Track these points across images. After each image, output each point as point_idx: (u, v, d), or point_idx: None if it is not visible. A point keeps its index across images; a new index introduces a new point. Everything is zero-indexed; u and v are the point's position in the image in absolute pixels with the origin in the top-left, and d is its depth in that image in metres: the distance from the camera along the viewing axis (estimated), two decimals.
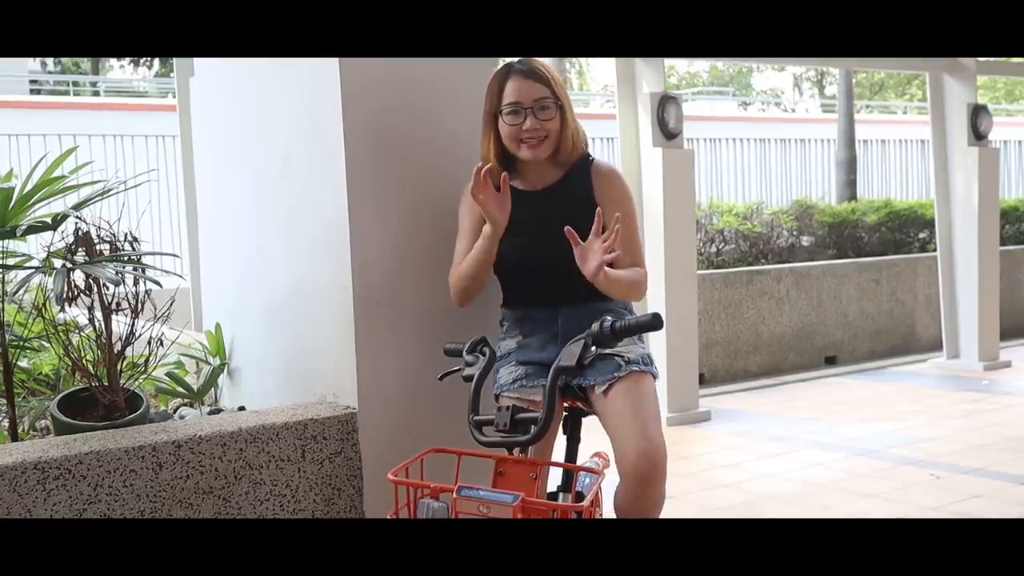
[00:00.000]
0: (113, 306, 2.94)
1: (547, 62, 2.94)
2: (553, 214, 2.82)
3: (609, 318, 2.53)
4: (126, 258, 3.00)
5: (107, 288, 2.93)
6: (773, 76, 32.64)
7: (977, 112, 8.36)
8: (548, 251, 2.81)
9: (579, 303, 2.85)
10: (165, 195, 11.42)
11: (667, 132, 6.71)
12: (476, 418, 2.54)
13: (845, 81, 15.10)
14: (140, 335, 3.04)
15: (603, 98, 24.51)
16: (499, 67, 2.89)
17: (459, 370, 2.65)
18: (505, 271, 2.93)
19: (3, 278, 3.02)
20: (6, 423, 3.17)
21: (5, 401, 3.14)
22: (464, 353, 2.66)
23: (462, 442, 2.66)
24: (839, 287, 9.22)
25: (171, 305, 3.28)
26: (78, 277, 2.89)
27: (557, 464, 2.54)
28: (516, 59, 2.88)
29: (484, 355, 2.63)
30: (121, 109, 11.94)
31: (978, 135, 8.36)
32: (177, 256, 3.15)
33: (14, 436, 3.05)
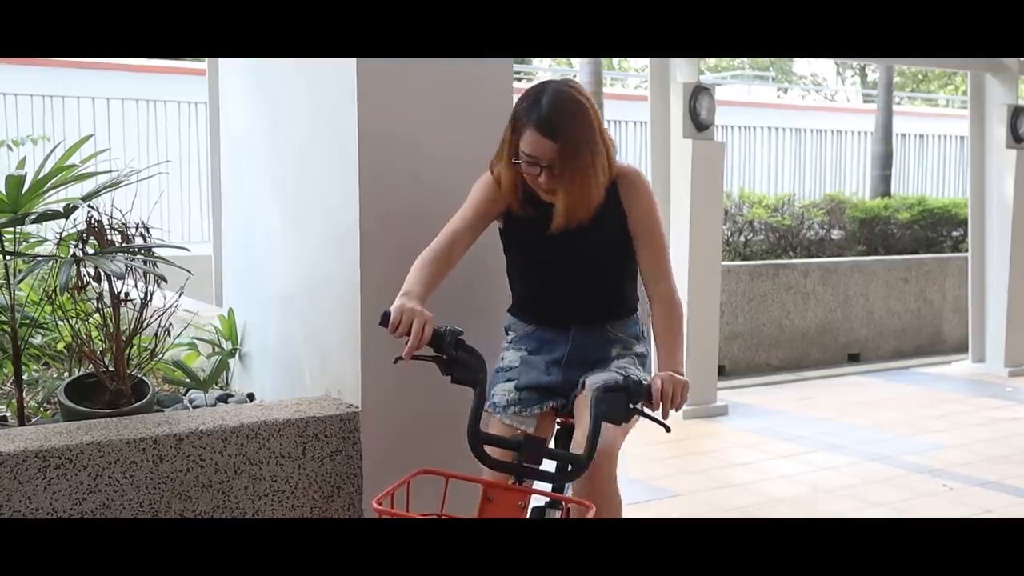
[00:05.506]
0: (122, 296, 2.96)
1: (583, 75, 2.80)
2: (579, 234, 2.72)
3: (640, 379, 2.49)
4: (136, 249, 3.01)
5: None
6: (815, 61, 32.18)
7: (1018, 114, 8.21)
8: (570, 273, 2.78)
9: (591, 325, 2.82)
10: (196, 163, 11.50)
11: (698, 123, 6.66)
12: (486, 434, 2.48)
13: (886, 76, 14.89)
14: (148, 324, 3.06)
15: (639, 78, 24.32)
16: (528, 96, 2.64)
17: (438, 356, 2.51)
18: (523, 285, 2.90)
19: (14, 264, 3.04)
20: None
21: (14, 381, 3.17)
22: (447, 344, 2.49)
23: (464, 448, 2.65)
24: (867, 284, 9.13)
25: (186, 282, 3.29)
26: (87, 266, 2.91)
27: (544, 494, 2.48)
28: (545, 100, 2.60)
29: (472, 355, 2.50)
30: (155, 72, 11.97)
31: (1017, 137, 8.22)
32: (186, 250, 3.16)
33: (21, 419, 3.09)
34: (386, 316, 2.49)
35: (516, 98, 3.29)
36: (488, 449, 2.47)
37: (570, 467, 2.48)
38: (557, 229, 2.69)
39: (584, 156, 2.60)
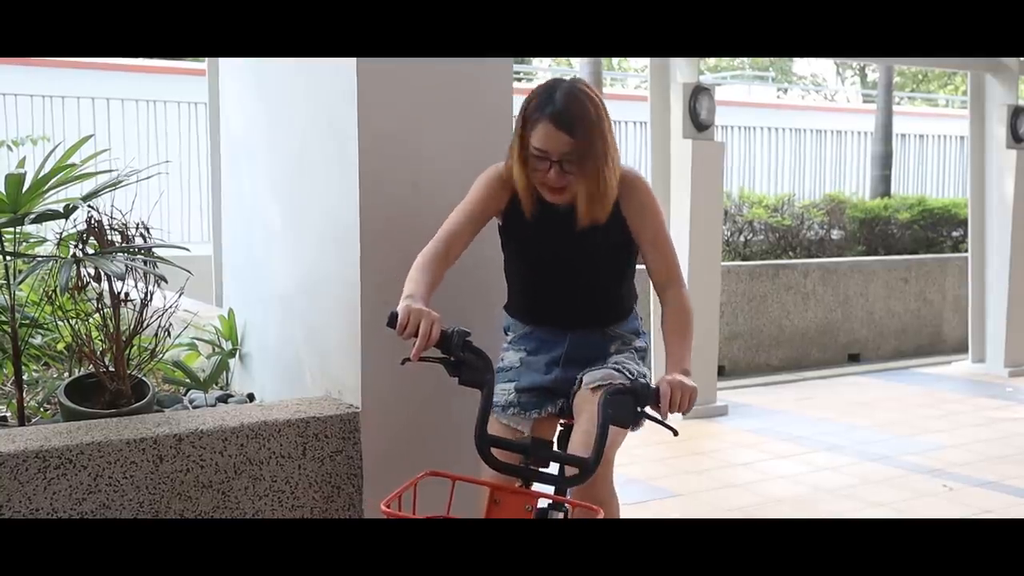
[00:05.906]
0: (122, 296, 2.96)
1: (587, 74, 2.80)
2: (579, 238, 2.71)
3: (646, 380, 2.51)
4: (136, 249, 3.01)
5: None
6: (815, 61, 32.15)
7: (1018, 114, 8.20)
8: (568, 277, 2.77)
9: (589, 327, 2.81)
10: (196, 163, 11.50)
11: (698, 124, 6.66)
12: (493, 436, 2.46)
13: (885, 76, 14.91)
14: (148, 324, 3.06)
15: (639, 78, 24.32)
16: (539, 92, 2.62)
17: (446, 358, 2.49)
18: (520, 287, 2.89)
19: (14, 264, 3.04)
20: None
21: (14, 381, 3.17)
22: (454, 345, 2.47)
23: (463, 449, 2.65)
24: (867, 284, 9.13)
25: (186, 282, 3.29)
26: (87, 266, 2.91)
27: (552, 497, 2.45)
28: (558, 96, 2.58)
29: (479, 356, 2.48)
30: (155, 72, 11.97)
31: (1017, 137, 8.21)
32: (186, 250, 3.16)
33: (21, 419, 3.09)
34: (394, 317, 2.48)
35: (516, 98, 3.30)
36: (494, 451, 2.46)
37: (577, 471, 2.45)
38: (581, 228, 2.67)
39: (599, 150, 2.59)
